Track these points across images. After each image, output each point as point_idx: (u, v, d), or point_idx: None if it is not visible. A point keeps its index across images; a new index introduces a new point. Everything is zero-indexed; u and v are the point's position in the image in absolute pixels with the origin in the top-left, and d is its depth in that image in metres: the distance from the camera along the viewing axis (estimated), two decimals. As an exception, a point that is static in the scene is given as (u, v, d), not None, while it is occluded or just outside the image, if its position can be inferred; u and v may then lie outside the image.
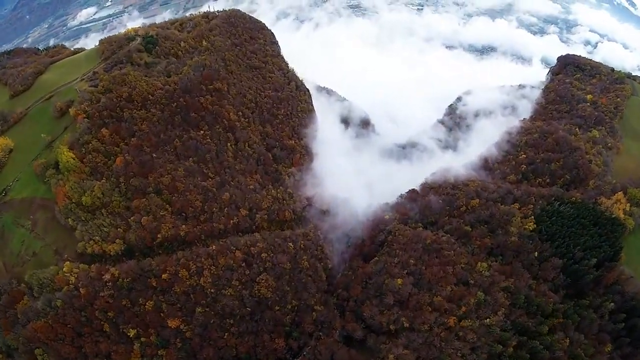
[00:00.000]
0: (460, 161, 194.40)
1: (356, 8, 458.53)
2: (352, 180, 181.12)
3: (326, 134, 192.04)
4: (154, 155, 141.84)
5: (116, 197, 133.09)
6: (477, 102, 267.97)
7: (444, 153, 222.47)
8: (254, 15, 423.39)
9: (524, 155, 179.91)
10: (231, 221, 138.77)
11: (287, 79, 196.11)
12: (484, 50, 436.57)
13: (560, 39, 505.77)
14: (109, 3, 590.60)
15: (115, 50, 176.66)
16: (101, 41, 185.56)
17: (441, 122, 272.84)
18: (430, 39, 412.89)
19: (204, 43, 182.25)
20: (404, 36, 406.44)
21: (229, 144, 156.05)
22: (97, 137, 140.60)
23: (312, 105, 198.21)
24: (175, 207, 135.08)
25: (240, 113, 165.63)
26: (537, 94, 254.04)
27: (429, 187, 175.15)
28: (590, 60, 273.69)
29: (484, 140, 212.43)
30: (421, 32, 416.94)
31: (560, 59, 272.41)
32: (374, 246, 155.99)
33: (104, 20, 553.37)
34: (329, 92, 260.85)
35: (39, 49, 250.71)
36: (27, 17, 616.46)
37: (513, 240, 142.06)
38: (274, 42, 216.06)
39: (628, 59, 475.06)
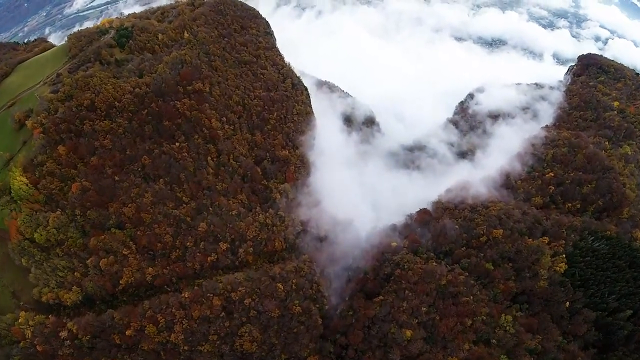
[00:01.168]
0: (477, 174, 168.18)
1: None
2: (354, 196, 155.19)
3: (326, 139, 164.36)
4: (117, 178, 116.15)
5: (72, 232, 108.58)
6: (491, 101, 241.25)
7: (457, 161, 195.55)
8: (254, 2, 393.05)
9: (552, 174, 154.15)
10: (209, 258, 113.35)
11: (281, 75, 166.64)
12: (494, 43, 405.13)
13: (570, 34, 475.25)
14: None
15: (83, 46, 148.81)
16: (69, 36, 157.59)
17: (452, 121, 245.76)
18: (439, 30, 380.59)
19: (186, 35, 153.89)
20: (411, 26, 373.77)
21: (209, 158, 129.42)
22: (52, 156, 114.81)
23: (310, 106, 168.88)
24: (141, 243, 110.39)
25: (225, 119, 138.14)
26: (557, 95, 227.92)
27: (442, 208, 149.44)
28: (613, 61, 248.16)
29: (503, 148, 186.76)
30: (429, 22, 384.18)
31: (581, 58, 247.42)
32: (378, 280, 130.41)
33: (101, 8, 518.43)
34: (330, 87, 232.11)
35: (17, 43, 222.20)
36: (25, 5, 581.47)
37: (542, 286, 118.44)
38: (268, 33, 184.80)
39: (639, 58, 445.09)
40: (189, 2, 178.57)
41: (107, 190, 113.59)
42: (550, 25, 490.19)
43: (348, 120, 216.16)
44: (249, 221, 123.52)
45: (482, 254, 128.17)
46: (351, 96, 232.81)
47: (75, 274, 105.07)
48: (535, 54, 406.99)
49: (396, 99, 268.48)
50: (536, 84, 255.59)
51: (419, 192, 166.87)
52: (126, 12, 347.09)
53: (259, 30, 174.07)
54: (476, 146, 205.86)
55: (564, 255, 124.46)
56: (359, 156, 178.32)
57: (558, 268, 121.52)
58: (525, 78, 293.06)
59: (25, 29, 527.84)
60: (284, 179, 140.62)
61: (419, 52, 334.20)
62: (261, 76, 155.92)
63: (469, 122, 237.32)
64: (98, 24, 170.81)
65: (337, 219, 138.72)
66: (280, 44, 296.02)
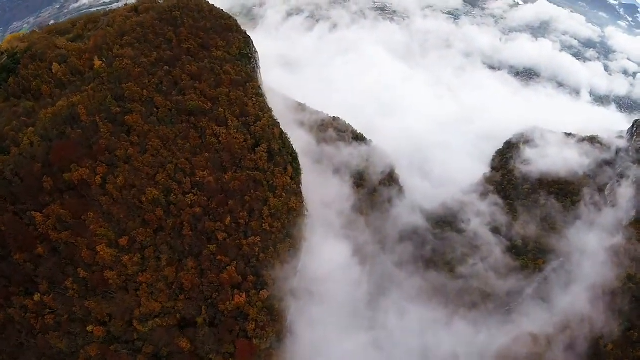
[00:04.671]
0: (545, 317, 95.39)
1: (383, 10, 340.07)
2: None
3: (321, 249, 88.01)
4: None
5: None
6: (543, 163, 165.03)
7: (508, 265, 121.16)
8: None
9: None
10: None
11: (252, 136, 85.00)
12: (526, 73, 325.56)
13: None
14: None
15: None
16: None
17: (491, 182, 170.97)
18: (469, 55, 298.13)
19: (96, 63, 78.84)
20: (439, 49, 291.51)
21: (90, 328, 56.37)
22: None
23: (298, 195, 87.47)
24: None
25: (125, 240, 63.83)
26: (629, 166, 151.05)
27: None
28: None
29: (578, 265, 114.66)
30: (459, 45, 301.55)
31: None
32: None
33: (112, 3, 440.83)
34: (339, 129, 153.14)
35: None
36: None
37: None
38: (245, 56, 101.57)
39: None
40: (133, 5, 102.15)
41: None
42: (578, 55, 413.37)
43: (361, 178, 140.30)
44: None
45: None
46: (365, 142, 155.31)
47: None
48: (570, 88, 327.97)
49: (421, 142, 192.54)
50: (598, 142, 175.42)
51: (456, 332, 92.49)
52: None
53: (229, 52, 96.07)
54: (534, 243, 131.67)
55: None
56: (370, 275, 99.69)
57: None
58: (566, 119, 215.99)
59: (32, 20, 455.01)
60: (232, 354, 65.44)
61: (448, 81, 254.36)
62: (214, 140, 79.08)
63: (517, 189, 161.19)
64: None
65: None
66: (282, 63, 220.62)
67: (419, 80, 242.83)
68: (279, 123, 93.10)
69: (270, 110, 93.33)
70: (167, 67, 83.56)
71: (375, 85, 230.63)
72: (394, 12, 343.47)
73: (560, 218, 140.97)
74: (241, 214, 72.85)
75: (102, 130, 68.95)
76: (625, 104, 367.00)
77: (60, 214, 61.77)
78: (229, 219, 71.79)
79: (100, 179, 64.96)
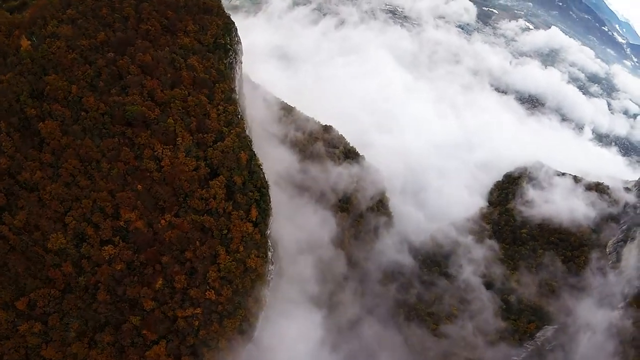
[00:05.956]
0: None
1: (394, 14, 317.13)
2: None
3: (285, 315, 67.75)
4: None
5: None
6: (545, 207, 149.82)
7: (502, 331, 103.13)
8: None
9: None
10: None
11: (206, 162, 62.60)
12: (530, 101, 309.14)
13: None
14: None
15: None
16: None
17: (488, 220, 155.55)
18: (477, 73, 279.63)
19: (24, 44, 56.94)
20: (447, 63, 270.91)
21: None
22: None
23: (263, 246, 64.44)
24: None
25: (24, 302, 44.00)
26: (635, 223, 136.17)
27: None
28: None
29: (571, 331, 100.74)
30: (468, 62, 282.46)
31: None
32: None
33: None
34: (330, 147, 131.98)
35: None
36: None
37: None
38: (221, 46, 77.58)
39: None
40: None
41: None
42: (583, 89, 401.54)
43: (347, 202, 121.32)
44: None
45: None
46: (357, 159, 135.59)
47: None
48: (574, 123, 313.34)
49: (417, 165, 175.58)
50: (606, 193, 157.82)
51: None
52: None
53: (200, 40, 74.19)
54: (527, 301, 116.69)
55: None
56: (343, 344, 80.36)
57: None
58: (569, 156, 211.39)
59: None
60: None
61: (453, 99, 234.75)
62: (153, 165, 57.23)
63: (515, 233, 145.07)
64: None
65: None
66: (279, 54, 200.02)
67: (423, 94, 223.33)
68: (250, 142, 71.73)
69: (241, 122, 71.72)
70: (113, 54, 61.75)
71: (375, 93, 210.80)
72: (405, 17, 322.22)
73: (559, 275, 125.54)
74: (178, 276, 52.16)
75: (4, 143, 47.64)
76: (623, 145, 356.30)
77: None
78: (160, 281, 51.27)
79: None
